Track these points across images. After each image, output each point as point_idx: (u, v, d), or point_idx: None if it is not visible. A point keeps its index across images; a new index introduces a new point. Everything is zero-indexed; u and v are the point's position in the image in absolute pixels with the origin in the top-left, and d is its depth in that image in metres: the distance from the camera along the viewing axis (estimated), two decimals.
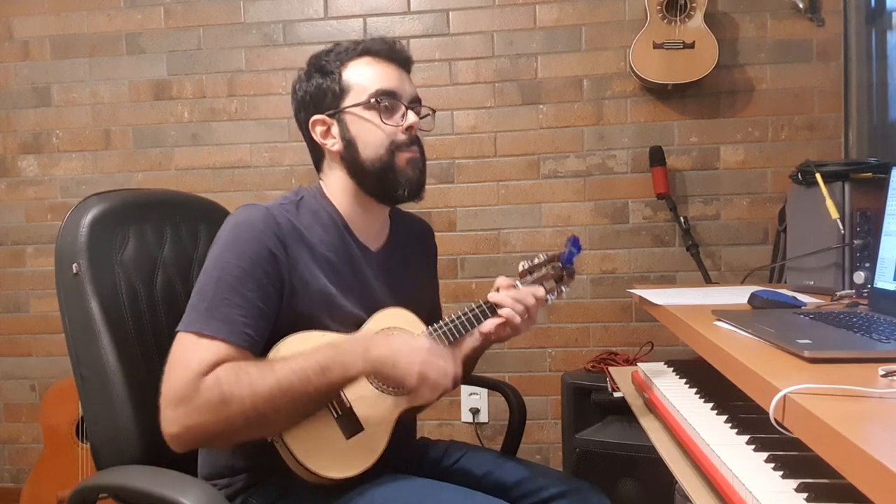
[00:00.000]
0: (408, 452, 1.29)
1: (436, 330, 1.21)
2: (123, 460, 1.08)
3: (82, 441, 2.36)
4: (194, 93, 2.57)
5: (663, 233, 2.42)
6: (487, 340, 1.28)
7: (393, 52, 1.22)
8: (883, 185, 1.32)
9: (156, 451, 1.07)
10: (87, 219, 1.20)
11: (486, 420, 2.52)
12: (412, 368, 1.05)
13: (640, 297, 1.60)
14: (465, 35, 2.46)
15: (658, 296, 1.54)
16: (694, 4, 2.24)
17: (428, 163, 2.66)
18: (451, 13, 2.47)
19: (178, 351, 1.04)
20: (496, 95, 2.46)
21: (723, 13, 2.34)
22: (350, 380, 1.07)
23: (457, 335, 1.22)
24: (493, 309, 1.24)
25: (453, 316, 1.23)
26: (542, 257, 1.31)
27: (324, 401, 1.08)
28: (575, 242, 1.31)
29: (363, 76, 1.19)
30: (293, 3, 2.52)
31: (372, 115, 1.18)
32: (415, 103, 1.23)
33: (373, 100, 1.18)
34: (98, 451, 1.15)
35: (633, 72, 2.30)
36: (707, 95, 2.37)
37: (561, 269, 1.32)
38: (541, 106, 2.44)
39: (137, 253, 1.25)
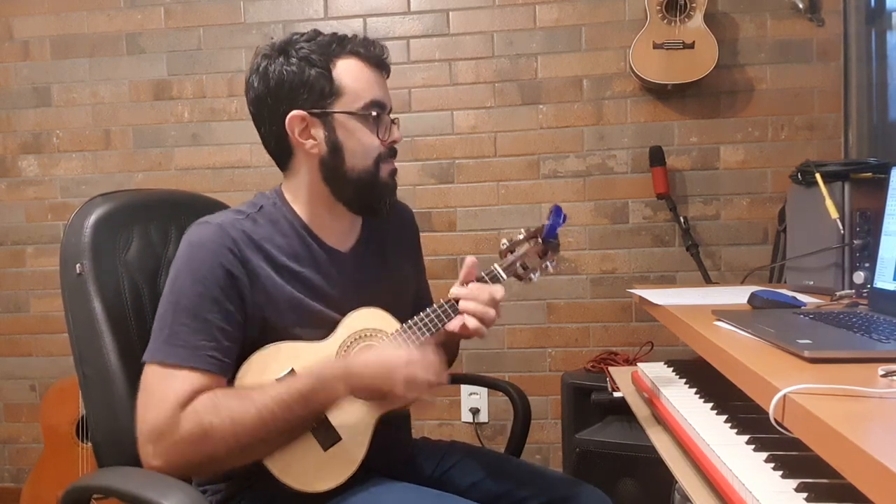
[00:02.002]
0: (401, 454, 1.27)
1: (408, 328, 1.17)
2: (124, 459, 1.09)
3: (82, 441, 2.36)
4: (194, 93, 2.57)
5: (663, 233, 2.42)
6: (454, 337, 1.23)
7: (381, 61, 1.18)
8: (883, 185, 1.32)
9: None
10: (92, 219, 1.20)
11: (486, 420, 2.52)
12: (395, 390, 1.04)
13: (640, 297, 1.60)
14: (465, 35, 2.46)
15: (658, 296, 1.54)
16: (694, 4, 2.24)
17: (428, 163, 2.68)
18: (451, 13, 2.47)
19: (148, 384, 1.03)
20: (496, 95, 2.46)
21: (723, 13, 2.34)
22: (332, 405, 1.06)
23: (426, 333, 1.17)
24: (455, 307, 1.18)
25: (422, 314, 1.18)
26: (522, 233, 1.24)
27: (306, 425, 1.07)
28: (557, 213, 1.21)
29: (356, 81, 1.14)
30: (293, 4, 2.52)
31: (363, 125, 1.14)
32: (390, 113, 1.20)
33: (372, 113, 1.14)
34: (100, 450, 1.16)
35: (633, 72, 2.31)
36: (707, 95, 2.37)
37: (543, 243, 1.24)
38: (541, 106, 2.44)
39: (141, 253, 1.25)
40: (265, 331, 1.11)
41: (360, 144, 1.15)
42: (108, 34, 2.60)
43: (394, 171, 1.20)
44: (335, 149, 1.14)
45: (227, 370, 1.07)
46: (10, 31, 2.63)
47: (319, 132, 1.14)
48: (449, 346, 1.31)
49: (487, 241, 2.48)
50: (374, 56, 1.16)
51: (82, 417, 2.35)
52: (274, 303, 1.11)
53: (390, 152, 1.18)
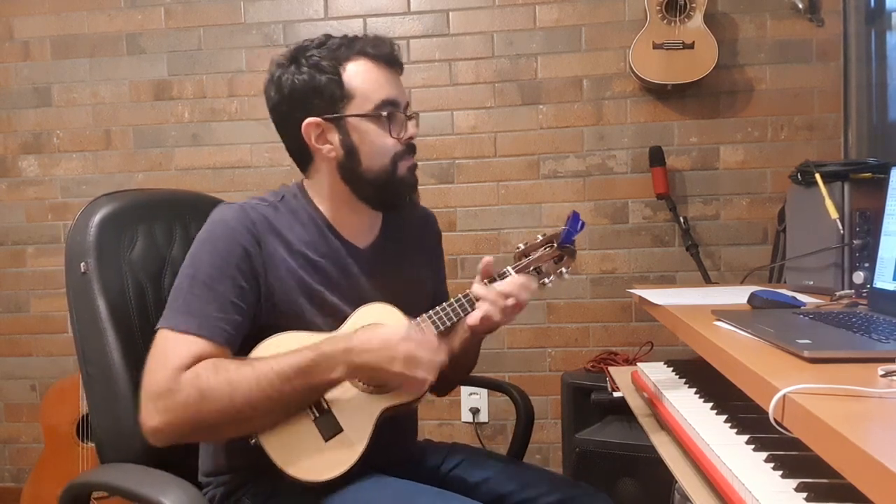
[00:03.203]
0: (403, 453, 1.27)
1: (422, 321, 1.17)
2: (126, 457, 1.09)
3: (83, 441, 2.36)
4: (195, 93, 2.57)
5: (663, 233, 2.42)
6: (475, 333, 1.23)
7: (391, 58, 1.18)
8: (882, 185, 1.32)
9: (157, 448, 1.07)
10: (96, 219, 1.21)
11: (486, 420, 2.52)
12: (394, 369, 1.06)
13: (640, 297, 1.60)
14: (465, 35, 2.47)
15: (658, 296, 1.54)
16: (694, 5, 2.25)
17: (428, 162, 2.68)
18: (451, 13, 2.47)
19: (157, 347, 1.06)
20: (496, 95, 2.46)
21: (722, 13, 2.35)
22: (332, 384, 1.08)
23: (440, 326, 1.18)
24: (472, 302, 1.18)
25: (438, 308, 1.18)
26: (539, 238, 1.25)
27: (304, 402, 1.08)
28: (575, 219, 1.21)
29: (366, 82, 1.15)
30: (293, 4, 2.53)
31: (376, 126, 1.16)
32: (407, 108, 1.20)
33: (384, 113, 1.15)
34: (102, 448, 1.16)
35: (633, 72, 2.31)
36: (707, 95, 2.37)
37: (559, 249, 1.24)
38: (541, 106, 2.44)
39: (146, 252, 1.26)
40: (277, 314, 1.13)
41: (375, 145, 1.16)
42: (109, 34, 2.60)
43: (413, 167, 1.21)
44: (351, 151, 1.17)
45: (233, 342, 1.09)
46: (11, 31, 2.63)
47: (335, 137, 1.17)
48: (470, 347, 1.31)
49: (487, 241, 2.48)
50: (383, 54, 1.17)
51: (82, 417, 2.35)
52: (287, 286, 1.14)
53: (408, 149, 1.19)
